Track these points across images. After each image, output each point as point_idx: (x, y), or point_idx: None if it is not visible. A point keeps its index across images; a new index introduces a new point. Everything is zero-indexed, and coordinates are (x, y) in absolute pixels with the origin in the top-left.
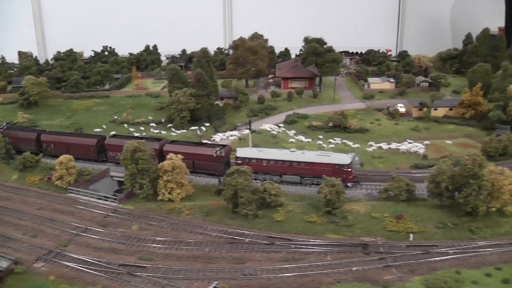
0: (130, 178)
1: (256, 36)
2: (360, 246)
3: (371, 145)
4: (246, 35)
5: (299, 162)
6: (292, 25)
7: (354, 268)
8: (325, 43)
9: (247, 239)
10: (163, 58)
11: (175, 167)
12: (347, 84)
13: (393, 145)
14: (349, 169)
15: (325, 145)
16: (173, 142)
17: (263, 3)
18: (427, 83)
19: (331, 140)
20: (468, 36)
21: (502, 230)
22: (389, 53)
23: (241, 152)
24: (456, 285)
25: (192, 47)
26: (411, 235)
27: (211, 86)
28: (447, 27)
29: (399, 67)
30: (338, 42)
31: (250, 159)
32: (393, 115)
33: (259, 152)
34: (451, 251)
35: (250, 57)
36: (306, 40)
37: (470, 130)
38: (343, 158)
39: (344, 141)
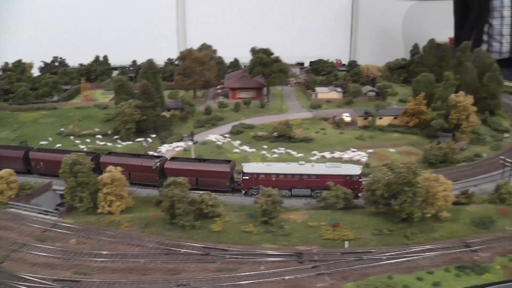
0: (70, 191)
1: (205, 47)
2: (295, 255)
3: (314, 154)
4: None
5: (309, 175)
6: (245, 35)
7: (287, 277)
8: (272, 53)
9: (183, 250)
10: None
11: (114, 180)
12: (296, 94)
13: (337, 154)
14: (360, 180)
15: (268, 155)
16: (173, 159)
17: (217, 15)
18: (374, 93)
19: (275, 150)
20: (415, 46)
21: (436, 235)
22: (339, 62)
23: (248, 168)
24: None
25: (145, 58)
26: (347, 242)
27: (157, 97)
28: (400, 38)
29: (348, 76)
30: (292, 52)
31: (258, 174)
32: (339, 124)
33: (268, 167)
34: (384, 257)
35: (198, 68)
36: (253, 50)
37: (413, 138)
38: (354, 169)
39: (288, 150)
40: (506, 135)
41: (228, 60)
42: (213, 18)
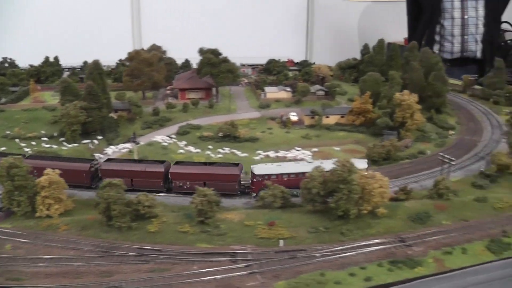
0: (7, 195)
1: (154, 48)
2: (229, 254)
3: (259, 154)
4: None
5: None
6: (201, 36)
7: (219, 277)
8: (220, 54)
9: (118, 252)
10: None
11: (52, 182)
12: (246, 94)
13: (281, 153)
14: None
15: (213, 155)
16: (178, 163)
17: (172, 15)
18: (323, 92)
19: (220, 150)
20: (366, 46)
21: (373, 231)
22: (291, 62)
23: (259, 170)
24: (319, 286)
25: (101, 59)
26: (281, 241)
27: (103, 98)
28: (355, 38)
29: (298, 76)
30: (248, 52)
31: (269, 175)
32: (285, 123)
33: (278, 167)
34: (318, 254)
35: (145, 69)
36: (201, 51)
37: (359, 136)
38: (361, 164)
39: (233, 150)
40: (451, 132)
41: (181, 61)
42: (168, 18)
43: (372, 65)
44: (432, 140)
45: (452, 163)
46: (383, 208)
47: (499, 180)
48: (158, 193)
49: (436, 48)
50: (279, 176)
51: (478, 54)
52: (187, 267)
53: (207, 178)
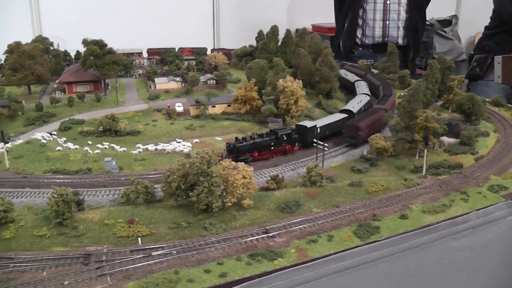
0: None
1: (40, 39)
2: (82, 256)
3: (138, 148)
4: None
5: None
6: (101, 27)
7: (67, 282)
8: (105, 45)
9: None
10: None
11: None
12: (137, 85)
13: (160, 146)
14: None
15: (91, 151)
16: None
17: (74, 5)
18: (214, 81)
19: (99, 145)
20: (260, 33)
21: (237, 223)
22: (188, 51)
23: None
24: (169, 285)
25: None
26: (139, 239)
27: None
28: (267, 25)
29: (193, 65)
30: (152, 42)
31: None
32: (170, 114)
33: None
34: (175, 252)
35: (27, 62)
36: (85, 42)
37: (244, 125)
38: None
39: (112, 145)
40: None
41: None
42: (67, 7)
43: (267, 52)
44: None
45: (326, 148)
46: (249, 199)
47: (379, 164)
48: None
49: (359, 32)
50: None
51: (400, 41)
52: (37, 274)
53: None
